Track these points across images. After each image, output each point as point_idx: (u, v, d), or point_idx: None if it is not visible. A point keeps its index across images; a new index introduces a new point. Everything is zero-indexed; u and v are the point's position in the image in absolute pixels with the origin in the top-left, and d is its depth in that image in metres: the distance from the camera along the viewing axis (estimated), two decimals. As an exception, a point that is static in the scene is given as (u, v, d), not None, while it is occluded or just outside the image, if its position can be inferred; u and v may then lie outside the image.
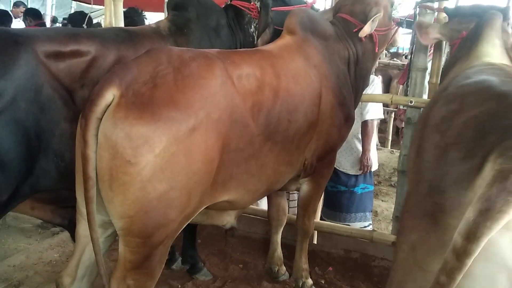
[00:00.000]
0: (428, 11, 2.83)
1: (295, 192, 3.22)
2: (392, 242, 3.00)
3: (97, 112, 1.49)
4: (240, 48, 2.62)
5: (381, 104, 3.61)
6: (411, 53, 3.01)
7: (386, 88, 7.17)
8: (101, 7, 7.40)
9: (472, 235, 0.92)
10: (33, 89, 1.70)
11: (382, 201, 5.38)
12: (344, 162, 3.54)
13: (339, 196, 3.56)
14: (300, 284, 2.80)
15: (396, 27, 2.77)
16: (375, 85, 3.47)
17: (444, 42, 2.79)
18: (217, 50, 1.95)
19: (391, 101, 3.05)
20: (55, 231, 3.70)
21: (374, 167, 3.59)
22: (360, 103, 2.94)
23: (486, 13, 2.06)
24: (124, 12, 3.23)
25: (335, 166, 2.98)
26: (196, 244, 3.02)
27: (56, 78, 1.81)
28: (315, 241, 3.32)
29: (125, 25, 3.05)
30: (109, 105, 1.50)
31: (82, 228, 1.75)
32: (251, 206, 3.10)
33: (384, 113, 5.21)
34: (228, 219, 2.34)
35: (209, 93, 1.66)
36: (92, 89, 1.60)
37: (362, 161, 3.44)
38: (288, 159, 2.15)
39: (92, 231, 1.56)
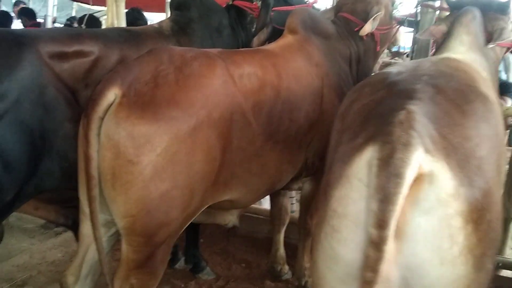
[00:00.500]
0: (430, 10, 2.83)
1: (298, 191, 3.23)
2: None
3: (99, 112, 1.50)
4: (242, 48, 2.62)
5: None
6: (413, 52, 3.01)
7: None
8: (101, 8, 7.43)
9: (382, 222, 1.00)
10: (37, 89, 1.71)
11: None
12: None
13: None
14: (303, 283, 2.80)
15: (398, 26, 2.78)
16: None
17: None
18: (218, 50, 1.96)
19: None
20: (58, 231, 3.70)
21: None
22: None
23: (463, 9, 2.10)
24: (126, 12, 3.24)
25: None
26: (199, 244, 3.03)
27: (60, 79, 1.82)
28: (317, 240, 3.32)
29: (127, 26, 3.07)
30: (111, 104, 1.51)
31: (86, 227, 1.75)
32: (253, 205, 3.11)
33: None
34: (230, 218, 2.35)
35: (210, 93, 1.66)
36: (94, 89, 1.61)
37: None
38: (290, 158, 2.16)
39: (95, 230, 1.58)
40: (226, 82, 1.75)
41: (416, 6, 2.89)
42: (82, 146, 1.56)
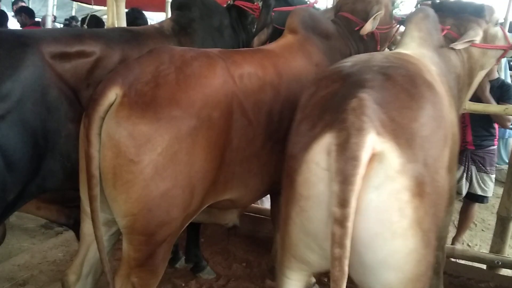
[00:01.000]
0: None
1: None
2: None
3: (100, 112, 1.51)
4: (243, 48, 2.63)
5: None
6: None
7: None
8: (101, 7, 7.44)
9: (344, 202, 1.10)
10: (40, 90, 1.71)
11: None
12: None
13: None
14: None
15: (398, 26, 2.78)
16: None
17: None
18: (218, 50, 1.96)
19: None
20: (59, 231, 3.72)
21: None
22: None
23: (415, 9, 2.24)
24: (126, 12, 3.24)
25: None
26: (200, 243, 3.03)
27: (62, 79, 1.82)
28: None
29: (127, 26, 3.07)
30: (112, 104, 1.52)
31: (87, 226, 1.76)
32: (254, 204, 3.11)
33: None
34: (231, 218, 2.36)
35: (210, 92, 1.67)
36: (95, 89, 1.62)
37: None
38: None
39: (96, 229, 1.58)
40: (227, 82, 1.75)
41: (416, 6, 2.90)
42: (83, 145, 1.56)
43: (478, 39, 2.22)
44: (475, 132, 3.45)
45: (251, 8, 2.64)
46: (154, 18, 9.73)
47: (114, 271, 1.68)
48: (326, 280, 2.95)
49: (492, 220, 4.01)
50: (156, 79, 1.57)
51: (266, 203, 3.53)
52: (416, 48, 1.97)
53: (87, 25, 4.59)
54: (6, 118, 1.59)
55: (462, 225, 3.78)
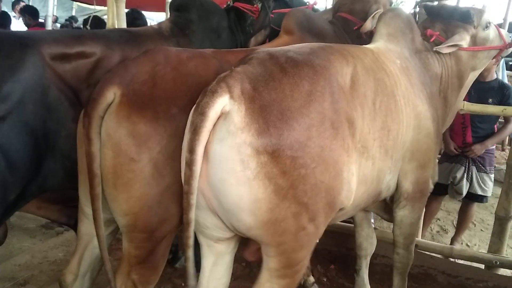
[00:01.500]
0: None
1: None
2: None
3: (100, 111, 1.52)
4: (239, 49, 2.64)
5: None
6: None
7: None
8: (101, 7, 7.44)
9: (191, 148, 1.31)
10: (40, 90, 1.73)
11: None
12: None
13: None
14: (302, 282, 2.82)
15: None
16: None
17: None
18: (212, 50, 1.97)
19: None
20: (60, 231, 3.73)
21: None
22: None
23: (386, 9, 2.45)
24: (125, 13, 3.26)
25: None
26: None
27: (62, 80, 1.84)
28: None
29: (127, 26, 3.09)
30: (111, 104, 1.54)
31: (84, 226, 1.78)
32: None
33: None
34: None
35: None
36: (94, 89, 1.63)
37: None
38: None
39: (98, 228, 1.60)
40: None
41: (414, 7, 2.92)
42: (84, 145, 1.57)
43: (463, 43, 2.29)
44: (475, 133, 3.46)
45: (250, 10, 2.65)
46: (154, 18, 9.75)
47: (114, 270, 1.70)
48: (325, 280, 2.97)
49: (491, 220, 4.02)
50: (153, 79, 1.59)
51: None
52: (382, 44, 2.10)
53: (89, 26, 4.61)
54: (7, 119, 1.61)
55: (461, 225, 3.80)
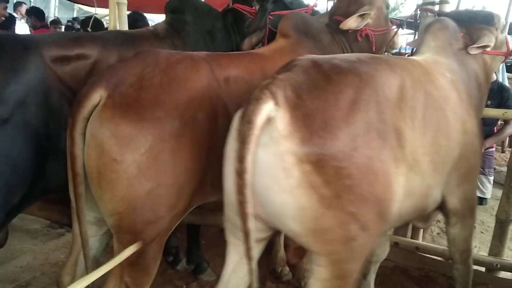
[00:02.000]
0: (429, 13, 2.86)
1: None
2: (394, 242, 3.04)
3: (84, 112, 1.54)
4: (236, 51, 2.64)
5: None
6: (412, 54, 3.03)
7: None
8: (102, 9, 7.44)
9: (241, 157, 1.29)
10: (42, 92, 1.75)
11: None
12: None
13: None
14: (303, 284, 2.83)
15: (396, 29, 2.79)
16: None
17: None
18: (205, 53, 1.97)
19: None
20: (61, 233, 3.73)
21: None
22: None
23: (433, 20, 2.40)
24: (127, 15, 3.27)
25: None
26: (201, 245, 3.05)
27: (62, 81, 1.87)
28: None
29: (128, 28, 3.10)
30: (96, 105, 1.55)
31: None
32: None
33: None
34: (222, 219, 2.36)
35: (194, 95, 1.69)
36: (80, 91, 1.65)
37: None
38: None
39: (81, 226, 1.63)
40: (211, 84, 1.77)
41: (416, 10, 2.92)
42: (67, 145, 1.60)
43: (492, 44, 2.29)
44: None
45: (249, 12, 2.66)
46: (155, 19, 9.76)
47: (109, 272, 1.70)
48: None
49: (491, 223, 4.01)
50: (140, 82, 1.60)
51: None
52: (430, 56, 2.03)
53: (90, 28, 4.62)
54: (10, 121, 1.63)
55: (461, 227, 3.78)
